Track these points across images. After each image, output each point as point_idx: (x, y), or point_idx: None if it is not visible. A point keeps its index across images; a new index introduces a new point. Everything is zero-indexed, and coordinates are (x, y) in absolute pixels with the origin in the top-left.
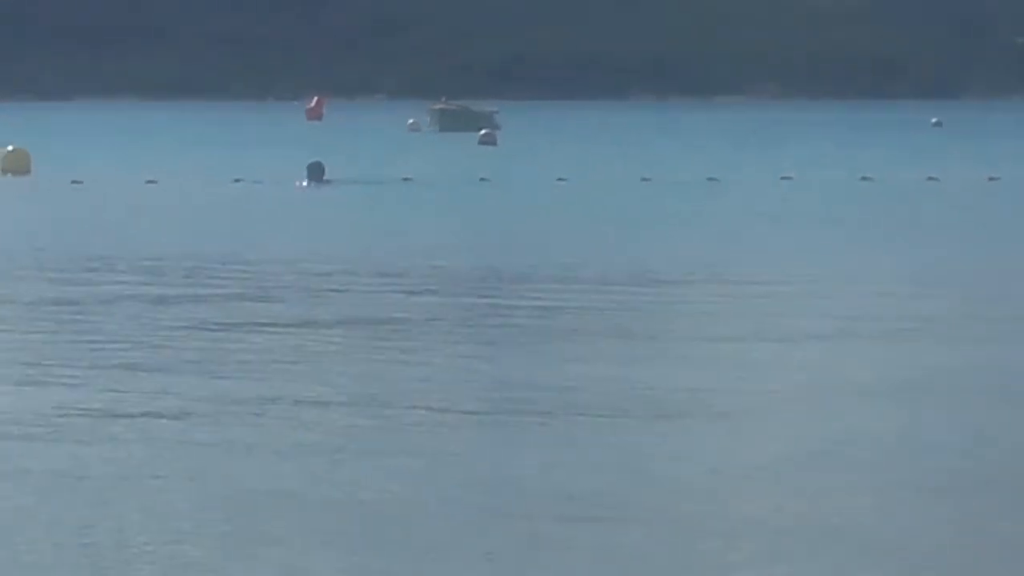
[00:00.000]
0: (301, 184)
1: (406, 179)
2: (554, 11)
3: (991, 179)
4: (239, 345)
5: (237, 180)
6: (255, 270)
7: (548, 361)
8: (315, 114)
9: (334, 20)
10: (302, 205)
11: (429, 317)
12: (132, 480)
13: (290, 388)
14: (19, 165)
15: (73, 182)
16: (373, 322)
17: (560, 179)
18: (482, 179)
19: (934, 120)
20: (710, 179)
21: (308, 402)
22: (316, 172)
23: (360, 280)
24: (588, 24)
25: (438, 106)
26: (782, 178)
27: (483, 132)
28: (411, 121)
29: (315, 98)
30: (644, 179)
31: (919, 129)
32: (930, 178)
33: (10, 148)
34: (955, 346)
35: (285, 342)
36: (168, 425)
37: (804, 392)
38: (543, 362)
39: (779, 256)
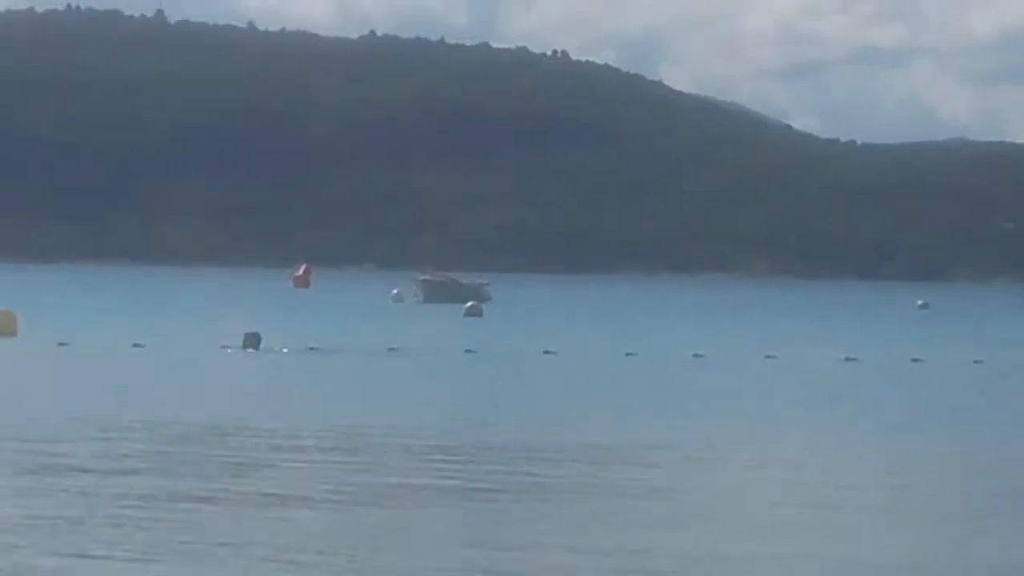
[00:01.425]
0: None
1: (392, 349)
2: (544, 187)
3: (976, 362)
4: (217, 526)
5: (224, 347)
6: (242, 440)
7: (528, 543)
8: (302, 282)
9: (325, 190)
10: (289, 373)
11: (408, 490)
12: None
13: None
14: (6, 326)
15: (60, 344)
16: (358, 495)
17: (547, 351)
18: (468, 351)
19: (920, 302)
20: (695, 355)
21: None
22: (252, 342)
23: (346, 451)
24: (577, 200)
25: (424, 277)
26: (767, 356)
27: (469, 304)
28: (395, 291)
29: (303, 266)
30: (629, 353)
31: (905, 310)
32: (915, 359)
33: None
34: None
35: (264, 521)
36: None
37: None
38: (524, 543)
39: (759, 436)
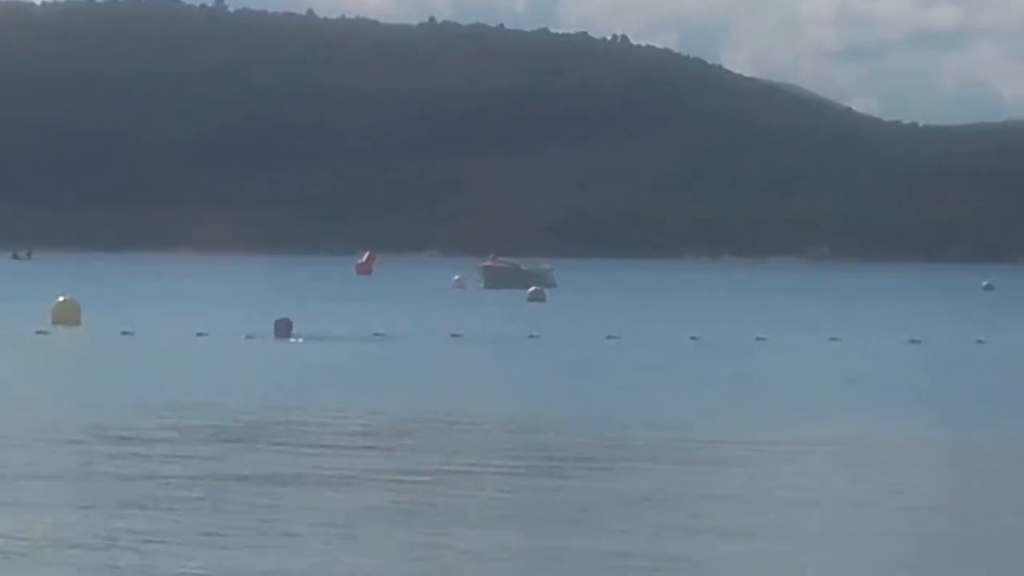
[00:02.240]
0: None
1: (455, 335)
2: (605, 172)
3: None
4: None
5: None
6: (308, 427)
7: (587, 540)
8: (365, 269)
9: (387, 177)
10: (353, 360)
11: (467, 483)
12: None
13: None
14: (69, 316)
15: (123, 333)
16: (413, 483)
17: (610, 336)
18: (531, 336)
19: (985, 283)
20: (759, 339)
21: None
22: (283, 329)
23: (408, 440)
24: (639, 185)
25: (485, 263)
26: (830, 339)
27: (532, 289)
28: (456, 278)
29: (366, 254)
30: (693, 338)
31: (970, 292)
32: (979, 341)
33: (61, 299)
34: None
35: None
36: None
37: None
38: (584, 539)
39: (824, 425)
